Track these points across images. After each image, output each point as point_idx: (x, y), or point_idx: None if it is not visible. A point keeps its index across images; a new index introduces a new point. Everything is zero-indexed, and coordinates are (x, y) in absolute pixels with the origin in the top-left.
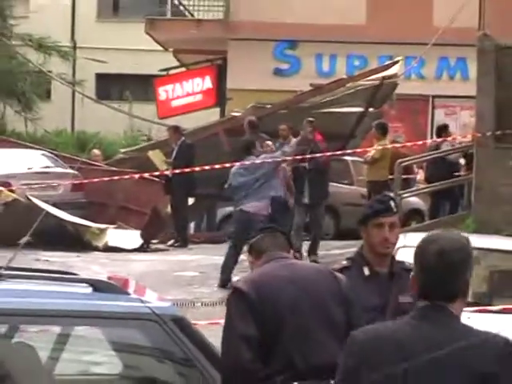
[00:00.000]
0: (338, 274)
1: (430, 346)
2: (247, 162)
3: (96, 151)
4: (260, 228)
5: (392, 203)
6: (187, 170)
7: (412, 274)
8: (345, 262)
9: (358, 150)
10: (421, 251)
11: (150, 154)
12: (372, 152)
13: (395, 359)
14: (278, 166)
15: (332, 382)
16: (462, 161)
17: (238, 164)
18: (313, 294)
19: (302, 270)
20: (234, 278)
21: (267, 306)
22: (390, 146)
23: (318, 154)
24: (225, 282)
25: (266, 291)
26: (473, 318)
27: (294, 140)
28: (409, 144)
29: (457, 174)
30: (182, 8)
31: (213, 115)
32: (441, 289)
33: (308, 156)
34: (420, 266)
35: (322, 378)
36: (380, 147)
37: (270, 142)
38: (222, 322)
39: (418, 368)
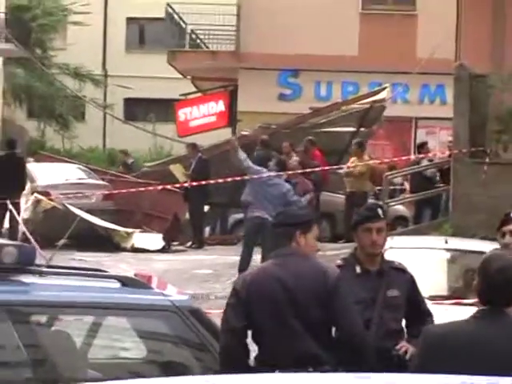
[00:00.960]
0: (331, 271)
1: (491, 339)
2: (264, 175)
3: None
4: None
5: (379, 210)
6: (203, 181)
7: (475, 283)
8: (339, 262)
9: (342, 166)
10: (484, 267)
11: (172, 167)
12: (358, 167)
13: (467, 351)
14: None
15: (311, 369)
16: (438, 174)
17: (264, 174)
18: (294, 292)
19: (296, 268)
20: None
21: (252, 302)
22: (371, 162)
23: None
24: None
25: (253, 289)
26: (450, 310)
27: (294, 156)
28: (387, 160)
29: (436, 186)
30: (198, 41)
31: (225, 134)
32: (500, 297)
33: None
34: (483, 279)
35: (300, 367)
36: (362, 163)
37: (295, 158)
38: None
39: (484, 357)
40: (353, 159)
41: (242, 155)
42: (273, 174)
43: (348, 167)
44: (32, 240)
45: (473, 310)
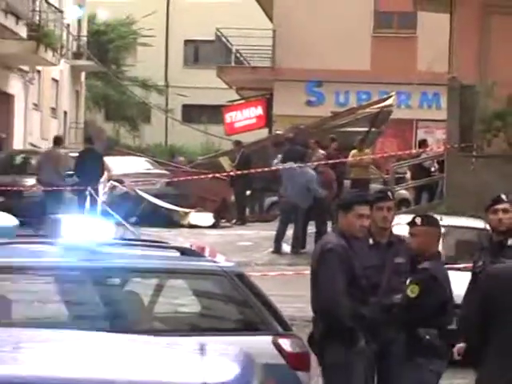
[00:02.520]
0: (323, 243)
1: None
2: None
3: (181, 158)
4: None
5: (389, 193)
6: (245, 171)
7: None
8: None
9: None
10: None
11: (221, 159)
12: (365, 159)
13: None
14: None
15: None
16: (436, 165)
17: (294, 166)
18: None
19: (321, 240)
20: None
21: None
22: (371, 156)
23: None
24: (278, 249)
25: None
26: None
27: (320, 150)
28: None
29: (432, 174)
30: (241, 58)
31: (263, 133)
32: None
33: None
34: None
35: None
36: (366, 156)
37: (321, 152)
38: (270, 274)
39: None
40: (354, 152)
41: None
42: (294, 165)
43: (354, 159)
44: (117, 216)
45: (462, 273)
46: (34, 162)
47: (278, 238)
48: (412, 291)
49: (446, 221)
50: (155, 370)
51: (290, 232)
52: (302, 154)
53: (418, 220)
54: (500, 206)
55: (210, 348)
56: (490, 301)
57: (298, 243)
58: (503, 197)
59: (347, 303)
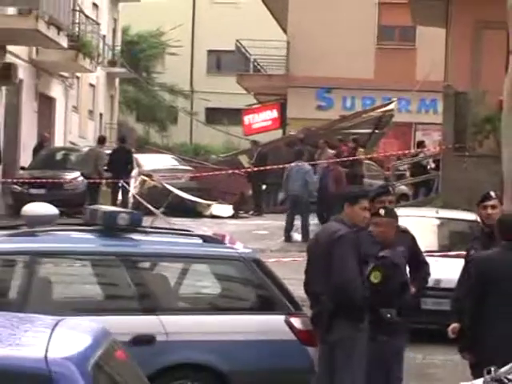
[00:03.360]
0: (336, 234)
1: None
2: (300, 164)
3: (213, 156)
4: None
5: (390, 188)
6: (262, 168)
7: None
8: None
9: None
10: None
11: (240, 157)
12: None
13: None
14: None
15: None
16: (433, 164)
17: (292, 165)
18: (318, 246)
19: (325, 229)
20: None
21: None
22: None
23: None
24: (288, 239)
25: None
26: (439, 261)
27: (329, 150)
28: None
29: (429, 172)
30: (258, 67)
31: (278, 134)
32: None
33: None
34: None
35: (314, 303)
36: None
37: (330, 152)
38: (283, 260)
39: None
40: (361, 150)
41: None
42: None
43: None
44: (150, 207)
45: (455, 259)
46: (72, 158)
47: (287, 229)
48: (375, 277)
49: (441, 213)
50: None
51: (297, 222)
52: (301, 153)
53: (382, 212)
54: (489, 203)
55: (64, 323)
56: (482, 281)
57: (307, 232)
58: (492, 194)
59: (361, 285)
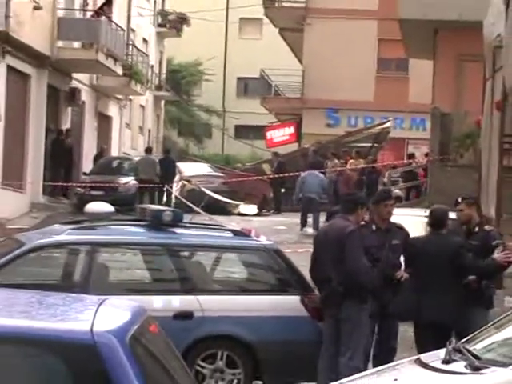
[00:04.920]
0: (348, 228)
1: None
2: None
3: (240, 164)
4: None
5: (392, 193)
6: (281, 174)
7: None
8: (363, 223)
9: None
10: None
11: (263, 166)
12: (360, 166)
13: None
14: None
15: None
16: (421, 172)
17: (307, 172)
18: (328, 239)
19: (333, 225)
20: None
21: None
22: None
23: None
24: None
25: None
26: None
27: (336, 160)
28: (390, 163)
29: (418, 178)
30: (279, 91)
31: (294, 147)
32: (434, 225)
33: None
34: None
35: (322, 286)
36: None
37: (337, 161)
38: (299, 251)
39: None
40: (351, 161)
41: None
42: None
43: (350, 165)
44: (193, 206)
45: None
46: (126, 165)
47: (303, 224)
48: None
49: (428, 212)
50: (48, 318)
51: (309, 220)
52: (321, 164)
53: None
54: (458, 207)
55: (107, 302)
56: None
57: (318, 227)
58: (459, 199)
59: (369, 271)
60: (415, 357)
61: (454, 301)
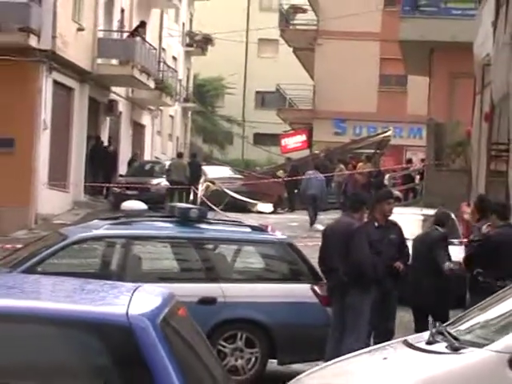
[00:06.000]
0: (354, 225)
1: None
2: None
3: (258, 168)
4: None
5: (392, 194)
6: (294, 177)
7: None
8: (366, 220)
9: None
10: None
11: (278, 173)
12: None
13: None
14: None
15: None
16: (418, 175)
17: (310, 172)
18: (336, 234)
19: (340, 221)
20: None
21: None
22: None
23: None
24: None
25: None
26: None
27: (341, 165)
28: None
29: (415, 181)
30: (292, 103)
31: (306, 152)
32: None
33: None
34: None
35: (330, 276)
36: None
37: (342, 166)
38: (309, 244)
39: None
40: (360, 165)
41: None
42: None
43: (359, 169)
44: (212, 206)
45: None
46: (157, 168)
47: (312, 220)
48: None
49: (424, 211)
50: (89, 303)
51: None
52: (326, 167)
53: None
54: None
55: (141, 289)
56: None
57: (314, 221)
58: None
59: (371, 263)
60: (403, 338)
61: (429, 287)
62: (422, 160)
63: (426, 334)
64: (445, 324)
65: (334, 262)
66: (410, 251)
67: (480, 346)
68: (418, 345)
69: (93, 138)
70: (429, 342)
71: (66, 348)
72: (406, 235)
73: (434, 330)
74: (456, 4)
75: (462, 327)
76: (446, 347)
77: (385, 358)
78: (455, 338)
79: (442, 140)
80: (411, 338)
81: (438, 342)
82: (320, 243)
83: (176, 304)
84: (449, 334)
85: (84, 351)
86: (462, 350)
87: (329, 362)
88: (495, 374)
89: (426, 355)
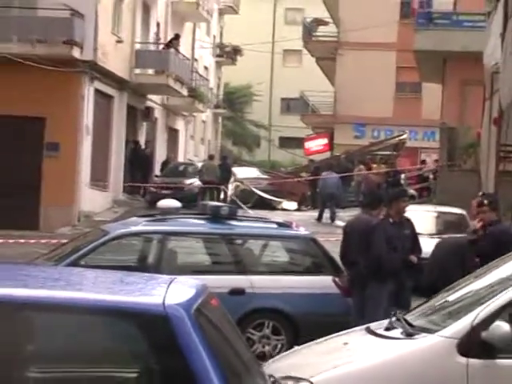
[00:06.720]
0: (373, 222)
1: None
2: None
3: (283, 169)
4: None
5: (407, 192)
6: (316, 177)
7: None
8: (381, 216)
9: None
10: None
11: (302, 174)
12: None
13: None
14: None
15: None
16: (431, 175)
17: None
18: (356, 230)
19: (360, 218)
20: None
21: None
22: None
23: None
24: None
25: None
26: (435, 241)
27: (361, 166)
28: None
29: (429, 181)
30: (315, 109)
31: (327, 155)
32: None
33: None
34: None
35: (350, 269)
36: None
37: (362, 167)
38: (331, 239)
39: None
40: (374, 166)
41: None
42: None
43: (374, 169)
44: (241, 204)
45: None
46: (190, 169)
47: (333, 218)
48: None
49: (437, 208)
50: (128, 293)
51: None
52: (346, 168)
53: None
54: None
55: (177, 281)
56: None
57: (334, 217)
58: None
59: (388, 257)
60: (366, 325)
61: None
62: (436, 161)
63: (387, 321)
64: (406, 311)
65: (354, 256)
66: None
67: (431, 331)
68: (377, 331)
69: (131, 142)
70: (387, 329)
71: (107, 336)
72: (418, 230)
73: (393, 319)
74: (467, 17)
75: (418, 314)
76: (401, 333)
77: (345, 343)
78: (410, 325)
79: (454, 142)
80: (374, 325)
81: (395, 328)
82: (341, 239)
83: (208, 295)
84: (405, 320)
85: (123, 339)
86: (414, 336)
87: (301, 346)
88: (445, 358)
89: (382, 340)
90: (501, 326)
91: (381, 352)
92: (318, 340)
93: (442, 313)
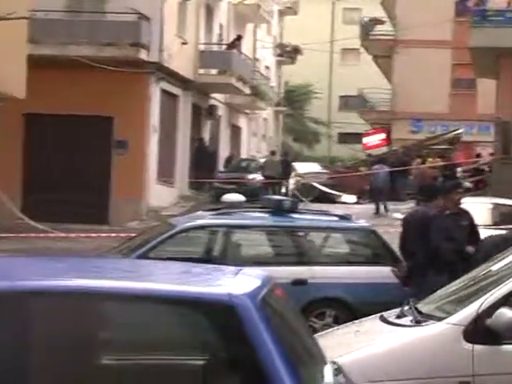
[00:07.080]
0: (430, 213)
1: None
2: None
3: (340, 163)
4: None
5: (462, 185)
6: (368, 171)
7: None
8: (439, 209)
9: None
10: None
11: (360, 168)
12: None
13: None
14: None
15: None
16: (487, 168)
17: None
18: (414, 222)
19: (418, 210)
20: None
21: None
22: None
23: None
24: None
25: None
26: (492, 231)
27: (418, 160)
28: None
29: (484, 173)
30: (373, 105)
31: (385, 149)
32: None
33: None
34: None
35: (409, 259)
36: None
37: (419, 160)
38: (390, 231)
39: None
40: (430, 160)
41: None
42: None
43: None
44: (301, 198)
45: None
46: (252, 165)
47: (378, 207)
48: None
49: (493, 200)
50: (196, 284)
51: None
52: (406, 162)
53: None
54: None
55: (243, 271)
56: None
57: (387, 209)
58: None
59: (447, 248)
60: (380, 313)
61: None
62: (491, 154)
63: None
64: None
65: (412, 247)
66: None
67: (439, 319)
68: (389, 319)
69: (196, 140)
70: (398, 316)
71: (176, 325)
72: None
73: (406, 307)
74: None
75: (429, 301)
76: (411, 321)
77: (357, 331)
78: (420, 312)
79: (509, 136)
80: (387, 313)
81: (406, 316)
82: (399, 230)
83: (273, 285)
84: (415, 308)
85: (191, 328)
86: (423, 323)
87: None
88: (451, 345)
89: (392, 328)
90: (505, 313)
91: (389, 339)
92: (335, 327)
93: (451, 300)
